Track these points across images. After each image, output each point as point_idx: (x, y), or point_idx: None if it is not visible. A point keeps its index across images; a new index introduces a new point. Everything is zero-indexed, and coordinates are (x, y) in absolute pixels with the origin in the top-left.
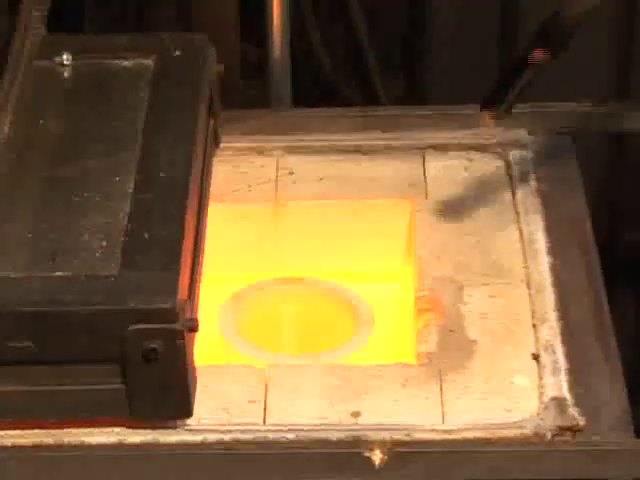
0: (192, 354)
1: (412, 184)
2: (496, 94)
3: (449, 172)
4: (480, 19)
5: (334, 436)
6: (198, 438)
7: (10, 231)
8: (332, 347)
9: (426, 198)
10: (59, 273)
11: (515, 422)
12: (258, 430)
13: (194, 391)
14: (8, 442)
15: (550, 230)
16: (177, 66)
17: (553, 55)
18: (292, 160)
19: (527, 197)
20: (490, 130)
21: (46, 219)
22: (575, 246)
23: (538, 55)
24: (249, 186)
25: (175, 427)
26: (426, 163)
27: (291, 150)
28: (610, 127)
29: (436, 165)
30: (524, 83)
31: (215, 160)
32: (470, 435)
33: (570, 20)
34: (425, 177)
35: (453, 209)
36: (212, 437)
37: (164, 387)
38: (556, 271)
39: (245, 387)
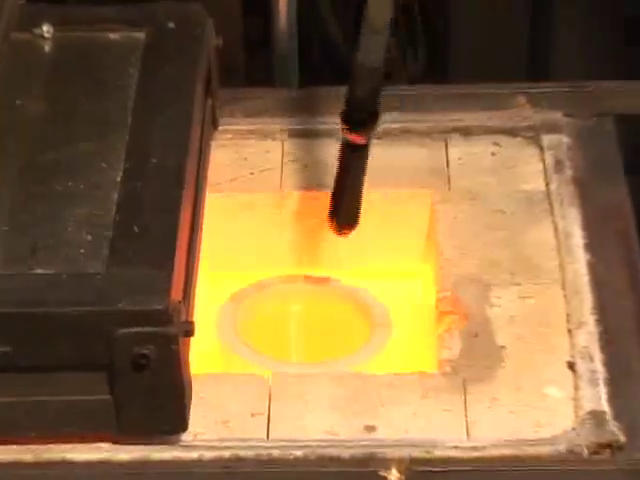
0: (187, 361)
1: (433, 172)
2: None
3: (475, 159)
4: None
5: (346, 453)
6: (194, 455)
7: None
8: (343, 354)
9: (449, 188)
10: (39, 270)
11: (548, 438)
12: (261, 446)
13: (189, 403)
14: None
15: (588, 224)
16: (171, 40)
17: (367, 134)
18: (299, 145)
19: (562, 187)
20: (521, 111)
21: (25, 210)
22: (616, 242)
23: (354, 139)
24: (251, 173)
25: (168, 443)
26: (449, 149)
27: (298, 134)
28: None
29: (460, 151)
30: (357, 184)
31: (213, 144)
32: (497, 452)
33: (364, 100)
34: (448, 164)
35: (479, 200)
36: (210, 454)
37: (156, 398)
38: (594, 270)
39: (246, 398)
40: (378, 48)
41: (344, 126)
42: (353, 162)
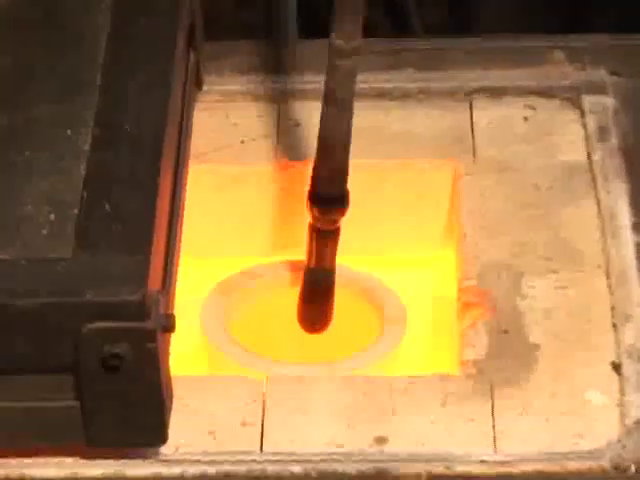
0: (167, 361)
1: (456, 140)
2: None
3: (504, 124)
4: None
5: (353, 469)
6: (176, 471)
7: None
8: (350, 353)
9: (474, 158)
10: None
11: (589, 451)
12: (254, 461)
13: (170, 410)
14: None
15: (636, 201)
16: None
17: (336, 218)
18: (298, 108)
19: (607, 157)
20: (559, 69)
21: None
22: None
23: (322, 225)
24: (241, 142)
25: (146, 457)
26: (474, 112)
27: (297, 95)
28: None
29: (487, 115)
30: (329, 277)
31: (197, 108)
32: (530, 468)
33: (329, 181)
34: (473, 131)
35: (510, 173)
36: (193, 470)
37: (130, 404)
38: None
39: (236, 405)
40: (343, 122)
41: (310, 209)
42: (323, 250)
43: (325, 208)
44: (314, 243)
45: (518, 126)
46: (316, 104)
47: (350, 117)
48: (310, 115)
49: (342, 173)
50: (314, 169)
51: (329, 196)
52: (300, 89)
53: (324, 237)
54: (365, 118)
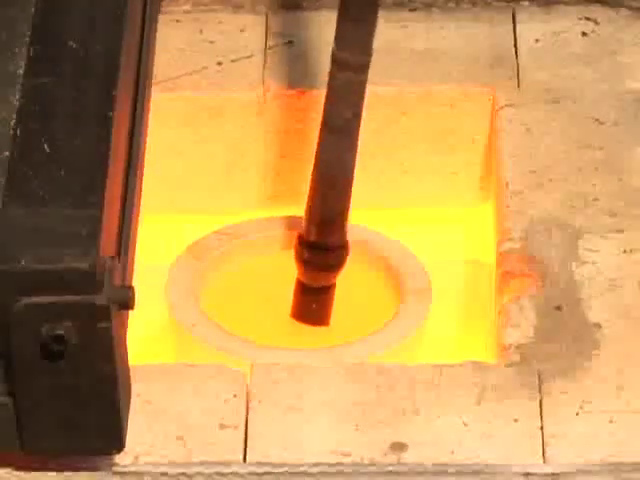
0: (124, 346)
1: (495, 61)
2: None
3: (558, 41)
4: None
5: None
6: None
7: None
8: (358, 334)
9: (519, 85)
10: None
11: None
12: (234, 473)
13: (127, 409)
14: None
15: None
16: None
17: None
18: (292, 20)
19: None
20: None
21: None
22: None
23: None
24: (219, 64)
25: (97, 467)
26: (518, 25)
27: (290, 2)
28: None
29: (536, 29)
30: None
31: (162, 20)
32: None
33: (327, 229)
34: (516, 49)
35: (564, 104)
36: None
37: (77, 402)
38: None
39: (213, 401)
40: (345, 152)
41: (300, 263)
42: (316, 304)
43: (318, 263)
44: (301, 297)
45: (575, 44)
46: (314, 15)
47: (354, 146)
48: (307, 29)
49: (342, 218)
50: (307, 211)
51: (325, 246)
52: None
53: (317, 293)
54: (378, 34)
